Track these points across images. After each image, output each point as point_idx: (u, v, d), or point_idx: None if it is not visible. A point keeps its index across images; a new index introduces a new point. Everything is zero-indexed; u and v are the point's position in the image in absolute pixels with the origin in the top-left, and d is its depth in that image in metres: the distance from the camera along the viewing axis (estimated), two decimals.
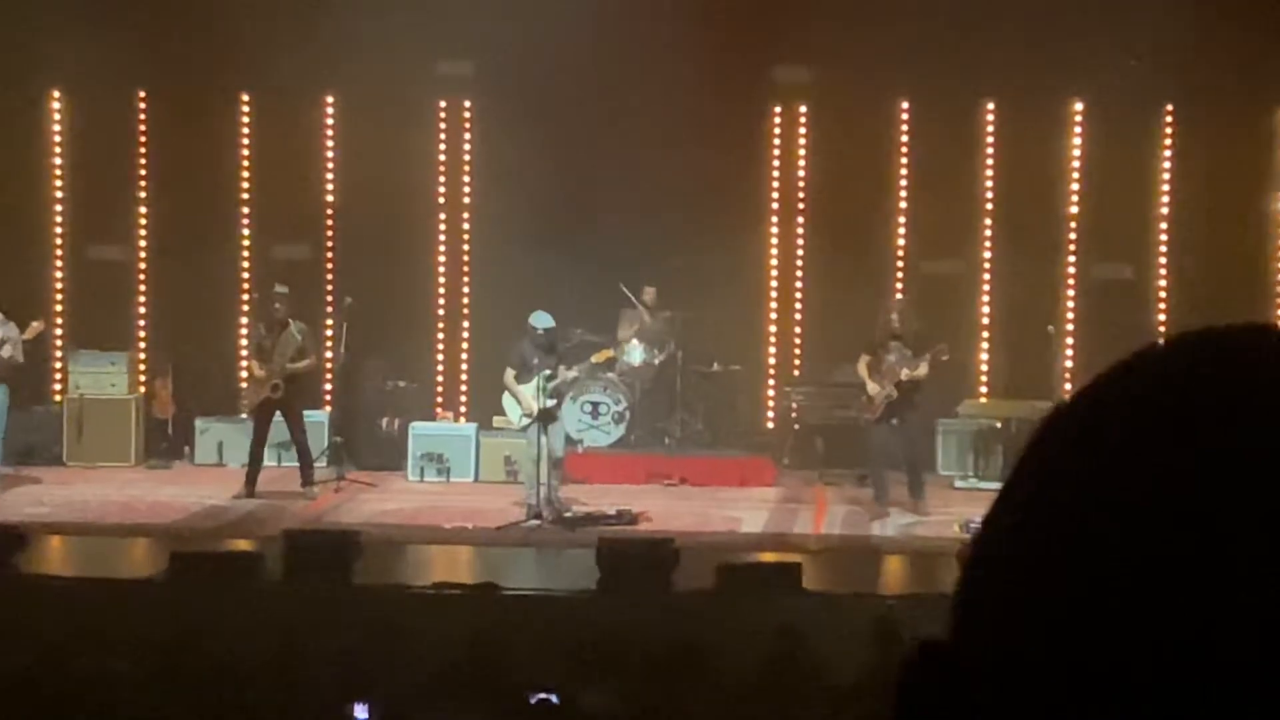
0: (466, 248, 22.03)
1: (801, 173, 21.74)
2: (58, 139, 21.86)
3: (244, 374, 19.49)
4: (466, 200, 22.04)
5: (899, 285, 21.10)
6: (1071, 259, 21.40)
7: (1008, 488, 1.12)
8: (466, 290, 22.00)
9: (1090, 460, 1.07)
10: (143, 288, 21.89)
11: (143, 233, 21.89)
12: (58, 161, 21.88)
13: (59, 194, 21.92)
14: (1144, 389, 1.09)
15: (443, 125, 21.95)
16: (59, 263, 21.84)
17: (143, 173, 21.83)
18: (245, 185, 21.97)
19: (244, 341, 20.35)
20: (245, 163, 21.98)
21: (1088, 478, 1.06)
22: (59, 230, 21.91)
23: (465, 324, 21.98)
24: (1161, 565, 1.01)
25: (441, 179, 22.02)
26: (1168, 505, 1.02)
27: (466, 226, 22.05)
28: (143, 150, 21.83)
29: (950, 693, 1.08)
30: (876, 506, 18.02)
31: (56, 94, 21.87)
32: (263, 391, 18.73)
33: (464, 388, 21.81)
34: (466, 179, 22.02)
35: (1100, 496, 1.05)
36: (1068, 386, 18.77)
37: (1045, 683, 1.03)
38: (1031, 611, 1.05)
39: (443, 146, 21.93)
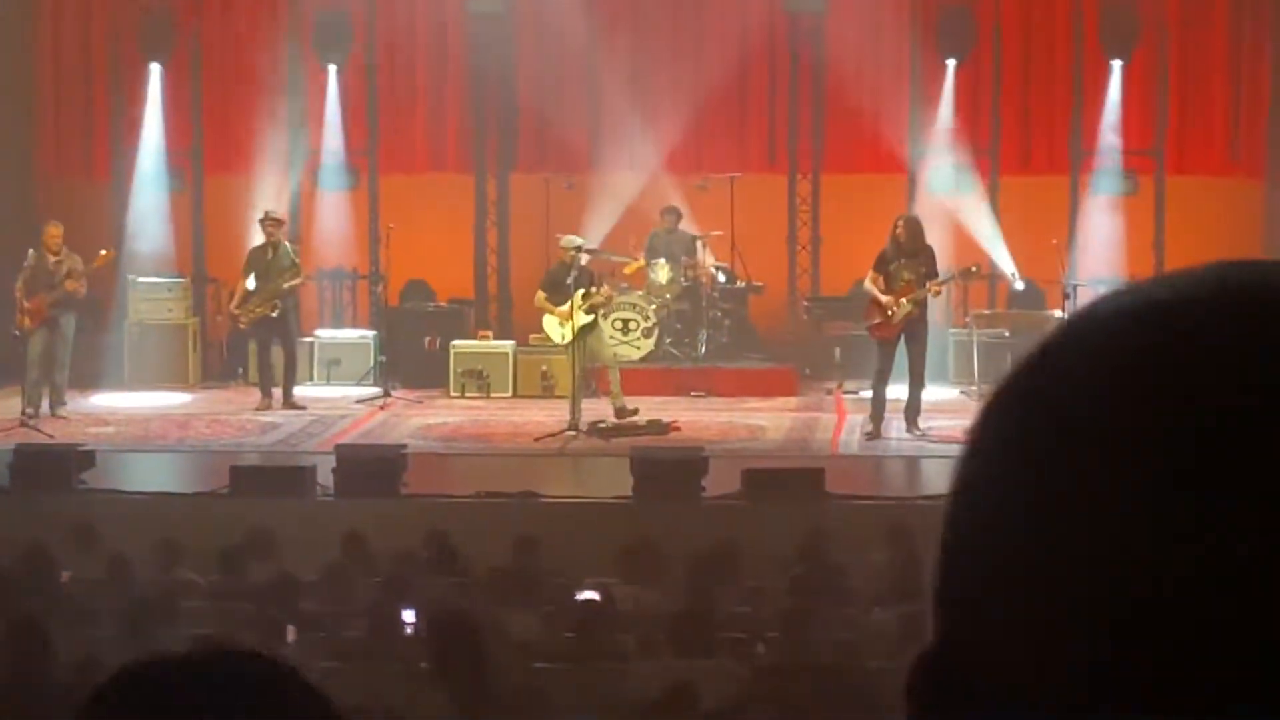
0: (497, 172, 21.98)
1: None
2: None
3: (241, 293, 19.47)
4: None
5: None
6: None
7: (982, 466, 1.01)
8: (501, 212, 21.94)
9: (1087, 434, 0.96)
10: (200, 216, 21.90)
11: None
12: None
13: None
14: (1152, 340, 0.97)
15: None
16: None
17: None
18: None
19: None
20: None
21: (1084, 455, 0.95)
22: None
23: (498, 244, 21.93)
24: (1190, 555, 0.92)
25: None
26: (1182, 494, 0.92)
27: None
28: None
29: (970, 696, 0.99)
30: (872, 426, 17.38)
31: None
32: (261, 310, 18.89)
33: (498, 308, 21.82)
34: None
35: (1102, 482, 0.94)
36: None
37: (1055, 684, 0.95)
38: (1033, 609, 0.96)
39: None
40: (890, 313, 17.04)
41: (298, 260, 19.29)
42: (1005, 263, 20.55)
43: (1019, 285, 20.44)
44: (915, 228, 17.40)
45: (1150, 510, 0.93)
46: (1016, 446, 0.99)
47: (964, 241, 20.40)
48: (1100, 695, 0.94)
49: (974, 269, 18.06)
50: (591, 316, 17.81)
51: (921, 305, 17.19)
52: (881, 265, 17.22)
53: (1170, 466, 0.93)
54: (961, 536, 1.02)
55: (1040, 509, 0.96)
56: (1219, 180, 21.29)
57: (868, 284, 17.32)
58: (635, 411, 17.76)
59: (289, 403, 18.99)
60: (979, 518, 1.00)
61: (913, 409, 17.32)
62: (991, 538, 0.99)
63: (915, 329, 17.17)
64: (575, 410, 17.40)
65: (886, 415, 17.48)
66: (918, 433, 17.27)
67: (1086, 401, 0.97)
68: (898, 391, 17.39)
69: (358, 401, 19.30)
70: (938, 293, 17.49)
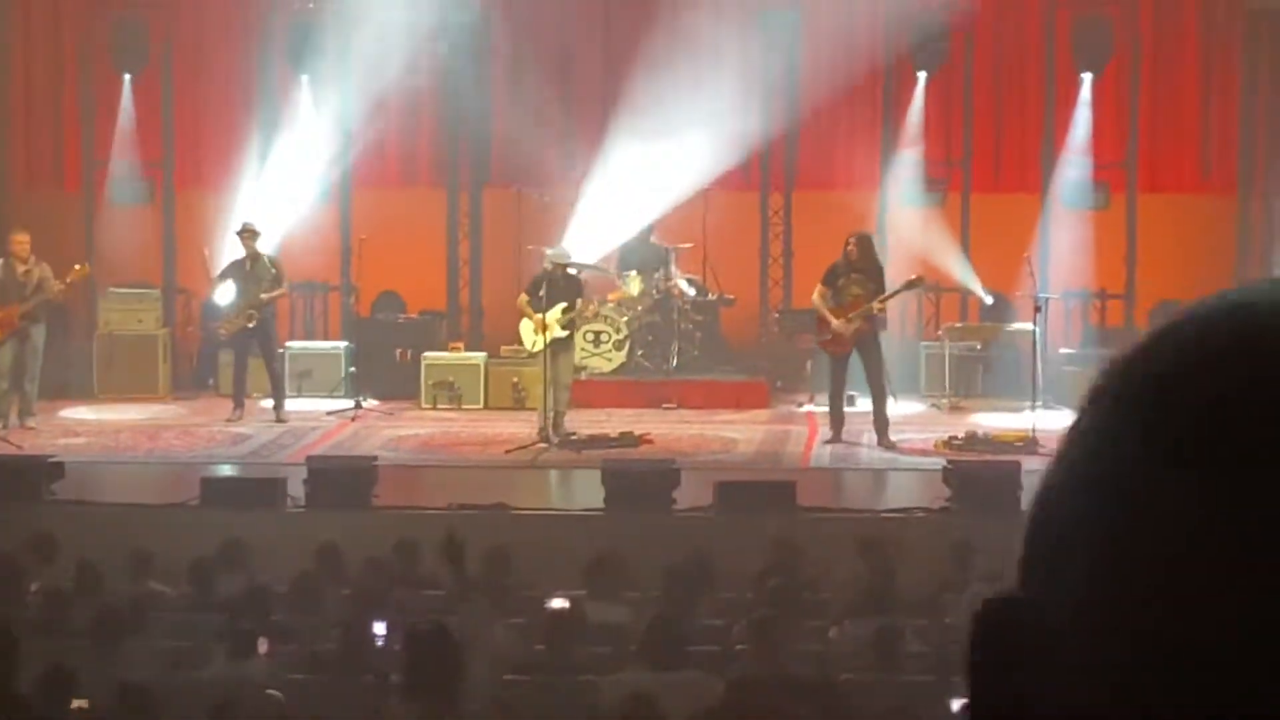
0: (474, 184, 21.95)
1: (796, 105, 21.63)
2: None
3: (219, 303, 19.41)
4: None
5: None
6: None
7: (1086, 432, 1.04)
8: (474, 224, 21.92)
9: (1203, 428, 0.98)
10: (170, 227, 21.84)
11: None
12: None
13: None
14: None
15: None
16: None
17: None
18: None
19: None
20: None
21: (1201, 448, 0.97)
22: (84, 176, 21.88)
23: (470, 256, 21.91)
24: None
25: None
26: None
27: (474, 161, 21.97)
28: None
29: (1031, 649, 1.02)
30: (830, 434, 17.58)
31: None
32: (239, 322, 18.82)
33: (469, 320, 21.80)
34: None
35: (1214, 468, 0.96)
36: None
37: (1132, 647, 0.98)
38: (1121, 575, 0.98)
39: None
40: (840, 329, 17.21)
41: (279, 271, 19.19)
42: (972, 281, 20.63)
43: (988, 300, 20.53)
44: (866, 244, 17.58)
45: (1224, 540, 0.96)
46: (1111, 440, 1.02)
47: (933, 256, 20.47)
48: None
49: (917, 279, 18.06)
50: (567, 332, 17.80)
51: (871, 320, 17.31)
52: (830, 279, 17.46)
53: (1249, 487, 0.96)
54: (1052, 503, 1.05)
55: (1123, 509, 1.00)
56: (1191, 198, 21.36)
57: (815, 298, 17.59)
58: (573, 435, 17.64)
59: (279, 416, 18.89)
60: (1068, 497, 1.04)
61: (880, 422, 17.42)
62: (1076, 514, 1.02)
63: (866, 343, 17.35)
64: (543, 420, 17.39)
65: (860, 427, 17.62)
66: (888, 444, 17.31)
67: (1180, 414, 0.99)
68: (868, 404, 17.52)
69: (329, 413, 19.25)
70: (882, 309, 17.54)
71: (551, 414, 17.46)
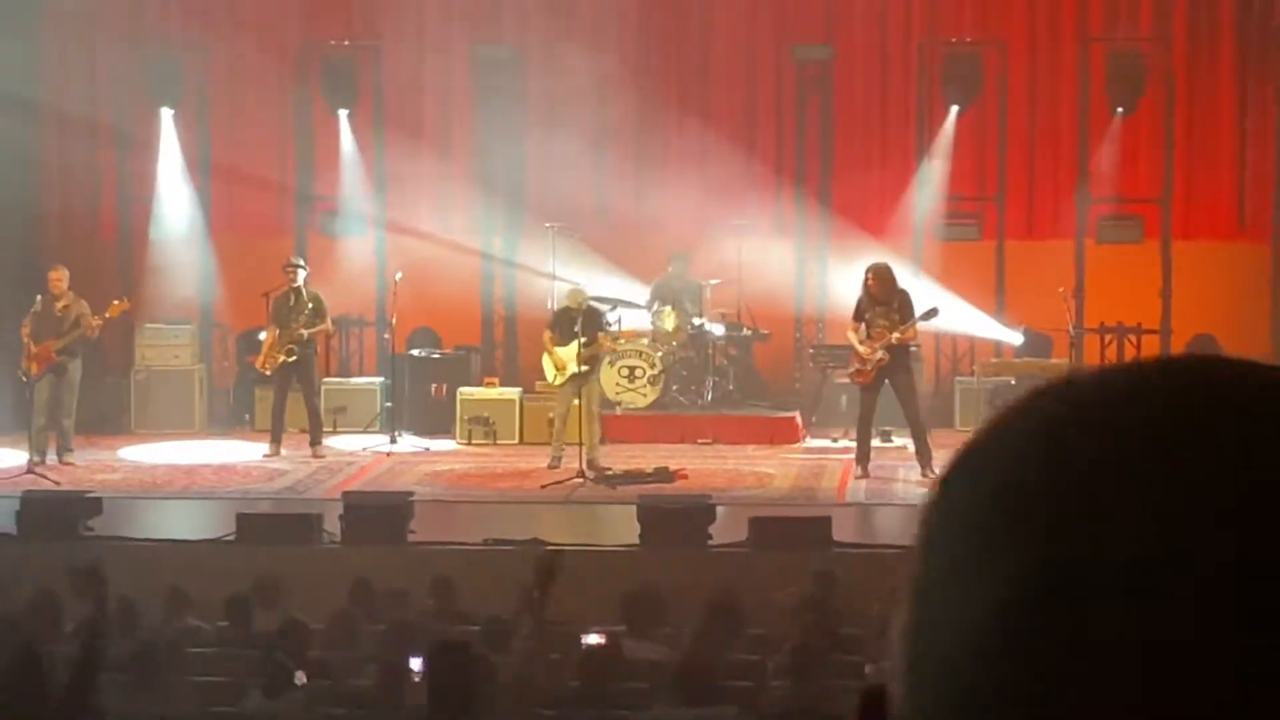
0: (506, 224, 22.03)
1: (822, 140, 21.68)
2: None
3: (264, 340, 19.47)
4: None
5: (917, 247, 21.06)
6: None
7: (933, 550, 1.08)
8: (507, 262, 21.99)
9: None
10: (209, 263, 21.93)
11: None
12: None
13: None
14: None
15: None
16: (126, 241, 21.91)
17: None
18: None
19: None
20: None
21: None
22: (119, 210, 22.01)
23: (504, 293, 21.97)
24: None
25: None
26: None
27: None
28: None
29: None
30: (857, 468, 17.66)
31: None
32: (279, 356, 18.87)
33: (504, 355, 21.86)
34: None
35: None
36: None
37: None
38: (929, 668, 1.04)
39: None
40: (865, 360, 17.30)
41: (320, 307, 19.19)
42: (1002, 332, 20.71)
43: (1018, 341, 20.56)
44: (885, 275, 17.60)
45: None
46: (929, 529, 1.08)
47: (968, 292, 20.50)
48: None
49: (933, 310, 18.00)
50: (586, 368, 17.90)
51: (897, 351, 17.34)
52: (859, 314, 17.56)
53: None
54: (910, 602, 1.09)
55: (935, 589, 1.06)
56: (1225, 244, 21.30)
57: (849, 334, 17.71)
58: (608, 470, 17.74)
59: (316, 452, 18.95)
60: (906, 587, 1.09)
61: (922, 454, 17.47)
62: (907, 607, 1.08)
63: (895, 374, 17.41)
64: (557, 451, 17.95)
65: (894, 463, 17.70)
66: (931, 475, 17.30)
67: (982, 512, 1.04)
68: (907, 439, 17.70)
69: (364, 449, 19.32)
70: (903, 338, 17.46)
71: (562, 449, 17.91)
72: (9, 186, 20.88)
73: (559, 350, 18.08)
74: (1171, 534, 0.97)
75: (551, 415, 19.29)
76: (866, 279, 17.50)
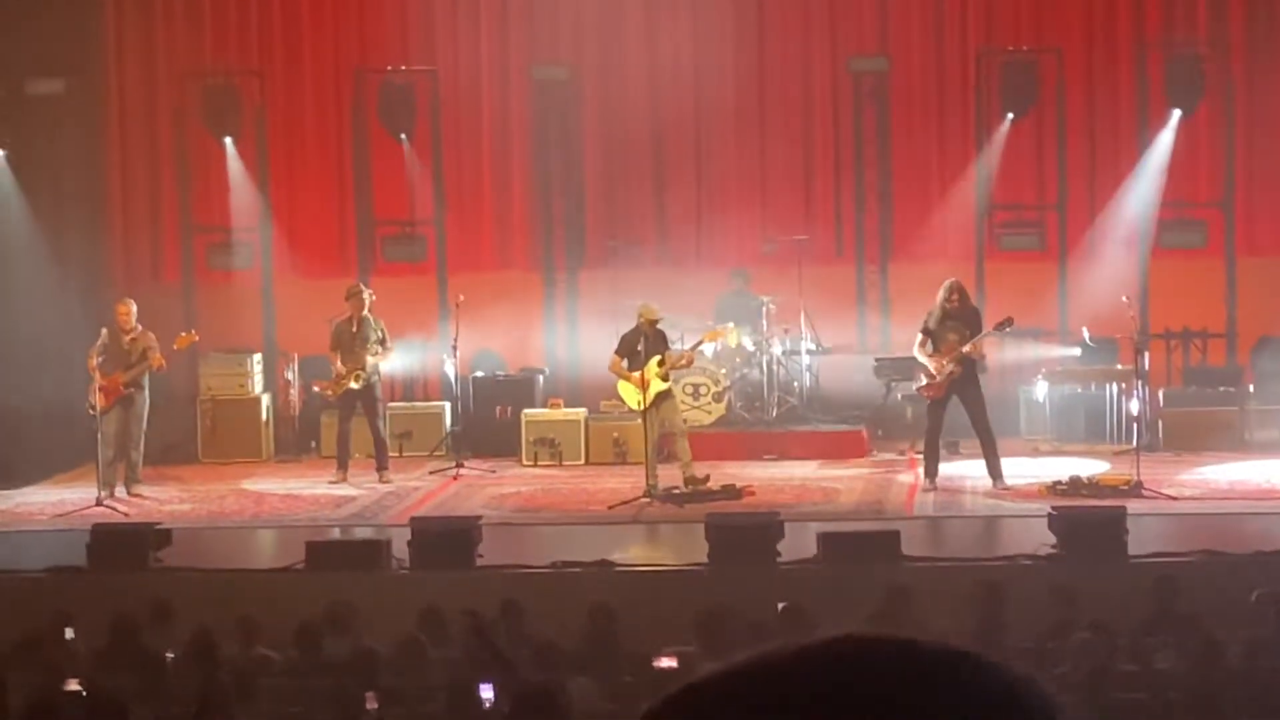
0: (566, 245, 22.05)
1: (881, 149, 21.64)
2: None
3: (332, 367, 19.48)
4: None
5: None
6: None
7: None
8: (567, 283, 22.01)
9: None
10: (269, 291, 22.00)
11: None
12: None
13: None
14: None
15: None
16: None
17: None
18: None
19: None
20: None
21: None
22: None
23: (566, 315, 21.99)
24: None
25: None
26: None
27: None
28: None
29: None
30: (926, 482, 17.61)
31: None
32: (345, 383, 18.89)
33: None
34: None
35: None
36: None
37: None
38: None
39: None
40: (935, 373, 17.27)
41: (384, 333, 19.17)
42: (1063, 340, 20.60)
43: (1078, 350, 20.42)
44: (961, 292, 17.65)
45: None
46: None
47: (1032, 303, 20.41)
48: None
49: (1007, 320, 17.93)
50: (667, 384, 17.81)
51: (966, 364, 17.28)
52: (927, 328, 17.49)
53: None
54: None
55: None
56: None
57: (915, 348, 17.65)
58: (706, 479, 17.72)
59: (383, 478, 18.96)
60: None
61: (992, 467, 17.48)
62: None
63: (964, 388, 17.39)
64: (651, 476, 17.38)
65: (962, 473, 17.62)
66: (1002, 487, 17.27)
67: None
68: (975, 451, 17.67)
69: (431, 473, 19.33)
70: (972, 351, 17.38)
71: (658, 470, 17.53)
72: (76, 218, 21.06)
73: (635, 374, 17.86)
74: None
75: (616, 434, 19.28)
76: (950, 296, 17.46)
